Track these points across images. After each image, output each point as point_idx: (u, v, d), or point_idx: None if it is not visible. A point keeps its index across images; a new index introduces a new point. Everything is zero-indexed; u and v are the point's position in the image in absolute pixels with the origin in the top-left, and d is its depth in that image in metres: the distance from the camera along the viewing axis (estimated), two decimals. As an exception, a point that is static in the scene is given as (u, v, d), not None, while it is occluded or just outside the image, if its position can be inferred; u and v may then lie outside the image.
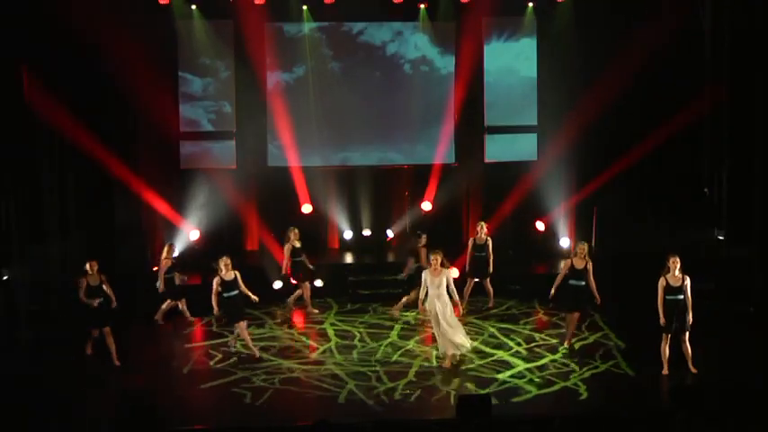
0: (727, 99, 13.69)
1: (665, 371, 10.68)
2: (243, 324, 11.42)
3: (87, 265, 11.54)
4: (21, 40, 13.11)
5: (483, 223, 13.90)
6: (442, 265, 10.99)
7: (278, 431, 9.35)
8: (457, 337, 10.92)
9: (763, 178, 12.50)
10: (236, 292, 11.36)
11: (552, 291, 11.68)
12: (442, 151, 16.43)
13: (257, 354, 11.41)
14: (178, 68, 15.95)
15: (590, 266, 11.34)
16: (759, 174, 12.60)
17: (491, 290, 13.82)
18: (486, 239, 13.69)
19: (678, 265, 10.43)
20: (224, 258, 11.41)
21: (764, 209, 12.54)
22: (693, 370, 10.58)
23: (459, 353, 11.06)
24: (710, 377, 10.56)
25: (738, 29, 13.37)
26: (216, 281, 11.34)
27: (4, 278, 12.50)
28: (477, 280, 13.83)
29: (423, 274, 11.16)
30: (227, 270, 11.33)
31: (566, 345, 11.56)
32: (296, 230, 13.65)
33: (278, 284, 14.68)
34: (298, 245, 13.56)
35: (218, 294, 11.29)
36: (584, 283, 11.29)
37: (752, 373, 10.70)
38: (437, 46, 16.37)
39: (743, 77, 13.33)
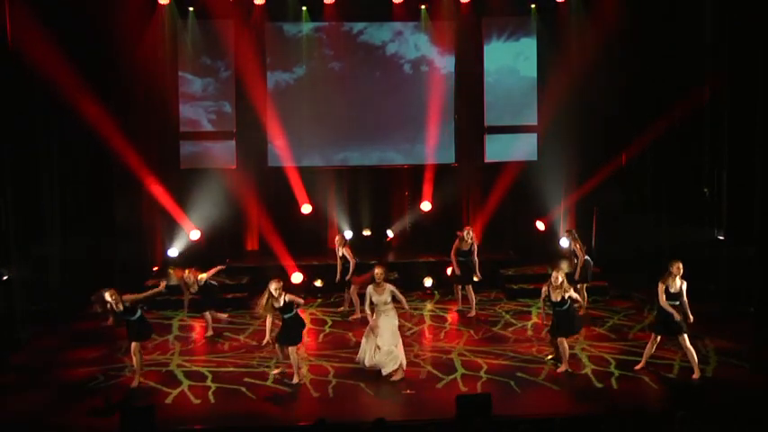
0: (727, 98, 13.67)
1: (640, 366, 10.73)
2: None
3: (108, 295, 10.40)
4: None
5: (470, 229, 13.62)
6: (386, 279, 10.64)
7: (278, 431, 9.35)
8: (391, 357, 10.57)
9: (763, 178, 12.48)
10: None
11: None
12: (441, 151, 16.43)
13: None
14: (178, 68, 15.96)
15: (568, 294, 10.65)
16: (759, 173, 12.58)
17: (473, 297, 13.59)
18: (472, 245, 13.42)
19: (681, 272, 10.37)
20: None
21: (764, 209, 12.52)
22: (696, 375, 10.43)
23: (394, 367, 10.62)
24: (711, 377, 10.54)
25: (738, 25, 13.34)
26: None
27: (4, 278, 12.50)
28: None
29: (367, 290, 10.71)
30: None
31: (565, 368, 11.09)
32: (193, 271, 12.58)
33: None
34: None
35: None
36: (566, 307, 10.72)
37: (752, 373, 10.69)
38: (437, 46, 16.37)
39: (743, 77, 13.30)
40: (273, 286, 10.46)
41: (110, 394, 10.20)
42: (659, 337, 10.66)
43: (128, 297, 10.52)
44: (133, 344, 10.60)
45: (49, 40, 13.27)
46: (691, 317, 10.43)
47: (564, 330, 10.78)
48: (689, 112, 14.52)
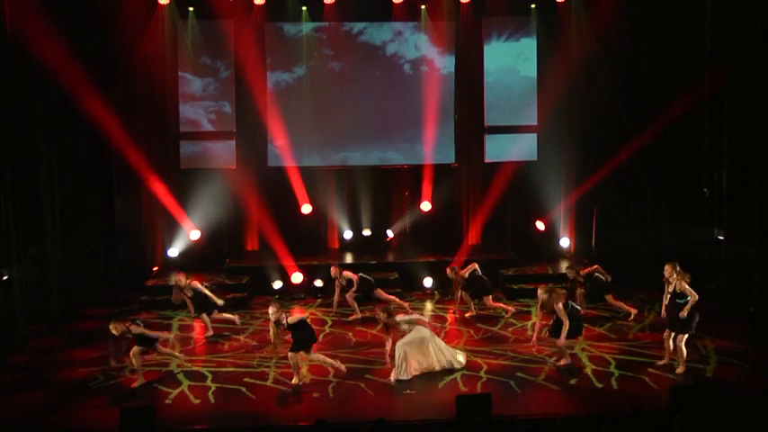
0: (726, 99, 13.67)
1: (663, 362, 10.80)
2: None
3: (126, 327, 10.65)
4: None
5: (455, 267, 13.44)
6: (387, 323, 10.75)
7: (278, 431, 9.35)
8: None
9: (763, 178, 12.47)
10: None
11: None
12: (441, 151, 16.43)
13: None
14: (178, 68, 15.96)
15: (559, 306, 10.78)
16: (759, 173, 12.58)
17: (495, 304, 13.47)
18: (465, 276, 13.28)
19: (671, 273, 10.52)
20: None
21: (764, 209, 12.52)
22: (680, 370, 10.55)
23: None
24: (711, 377, 10.55)
25: (738, 24, 13.35)
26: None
27: (4, 278, 12.49)
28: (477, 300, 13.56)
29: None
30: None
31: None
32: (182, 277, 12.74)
33: (278, 284, 14.76)
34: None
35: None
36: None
37: (752, 373, 10.69)
38: (437, 46, 16.36)
39: (742, 78, 13.30)
40: (271, 311, 10.61)
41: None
42: (672, 333, 10.71)
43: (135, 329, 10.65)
44: (135, 347, 10.65)
45: (48, 40, 13.28)
46: (681, 315, 10.41)
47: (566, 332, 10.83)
48: (689, 110, 14.55)
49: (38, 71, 13.48)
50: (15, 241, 12.67)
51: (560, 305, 10.76)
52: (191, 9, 15.77)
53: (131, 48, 15.21)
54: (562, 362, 10.93)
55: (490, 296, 13.45)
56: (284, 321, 10.54)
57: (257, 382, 10.66)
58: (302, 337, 10.61)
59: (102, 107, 14.51)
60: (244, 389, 10.42)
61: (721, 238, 14.02)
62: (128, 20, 15.09)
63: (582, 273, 13.05)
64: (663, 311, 10.81)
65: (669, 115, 14.85)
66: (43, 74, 13.57)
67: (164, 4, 15.52)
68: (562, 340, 10.83)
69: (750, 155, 12.83)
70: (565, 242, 16.25)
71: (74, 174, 14.66)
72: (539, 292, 10.99)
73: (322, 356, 10.91)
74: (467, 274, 13.30)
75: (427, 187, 16.36)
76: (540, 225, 16.37)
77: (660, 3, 14.93)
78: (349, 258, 15.96)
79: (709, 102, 14.29)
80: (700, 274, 13.69)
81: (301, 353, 10.61)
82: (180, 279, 12.64)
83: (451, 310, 13.76)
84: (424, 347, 10.78)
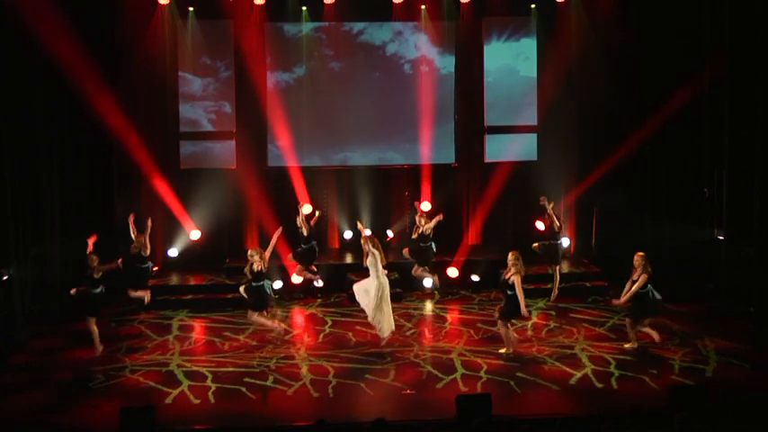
0: (726, 99, 13.68)
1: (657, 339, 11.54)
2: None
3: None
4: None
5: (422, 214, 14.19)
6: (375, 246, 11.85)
7: (278, 431, 9.36)
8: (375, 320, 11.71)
9: (763, 178, 12.48)
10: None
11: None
12: (441, 151, 16.42)
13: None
14: (178, 68, 15.96)
15: (517, 279, 11.08)
16: (759, 173, 12.59)
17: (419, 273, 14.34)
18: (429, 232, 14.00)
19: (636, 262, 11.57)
20: None
21: (764, 209, 12.53)
22: (629, 345, 11.55)
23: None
24: (711, 377, 10.55)
25: (738, 25, 13.35)
26: None
27: (4, 278, 12.49)
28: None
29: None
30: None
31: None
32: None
33: (278, 284, 14.73)
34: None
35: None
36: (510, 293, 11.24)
37: (752, 373, 10.70)
38: (437, 46, 16.36)
39: (742, 78, 13.30)
40: (251, 252, 11.80)
41: None
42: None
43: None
44: (89, 318, 11.55)
45: (48, 40, 13.27)
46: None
47: (506, 314, 11.38)
48: (688, 110, 14.55)
49: (38, 71, 13.47)
50: (15, 241, 12.67)
51: (519, 278, 11.09)
52: (191, 9, 15.76)
53: (131, 48, 15.20)
54: (503, 349, 11.40)
55: (421, 267, 14.19)
56: (255, 266, 11.52)
57: (257, 382, 10.68)
58: (253, 300, 11.78)
59: (102, 107, 14.50)
60: (244, 389, 10.43)
61: (721, 238, 14.02)
62: (128, 20, 15.08)
63: (552, 212, 14.01)
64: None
65: (669, 115, 14.83)
66: (43, 74, 13.55)
67: (164, 4, 15.52)
68: (503, 323, 11.42)
69: (750, 154, 12.84)
70: (565, 242, 16.17)
71: (74, 173, 14.64)
72: (509, 255, 11.29)
73: (263, 320, 12.06)
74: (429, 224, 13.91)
75: (427, 187, 16.35)
76: (540, 225, 16.34)
77: (660, 3, 14.92)
78: (349, 258, 15.95)
79: (710, 102, 14.29)
80: (700, 274, 13.83)
81: (254, 313, 11.89)
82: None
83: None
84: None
